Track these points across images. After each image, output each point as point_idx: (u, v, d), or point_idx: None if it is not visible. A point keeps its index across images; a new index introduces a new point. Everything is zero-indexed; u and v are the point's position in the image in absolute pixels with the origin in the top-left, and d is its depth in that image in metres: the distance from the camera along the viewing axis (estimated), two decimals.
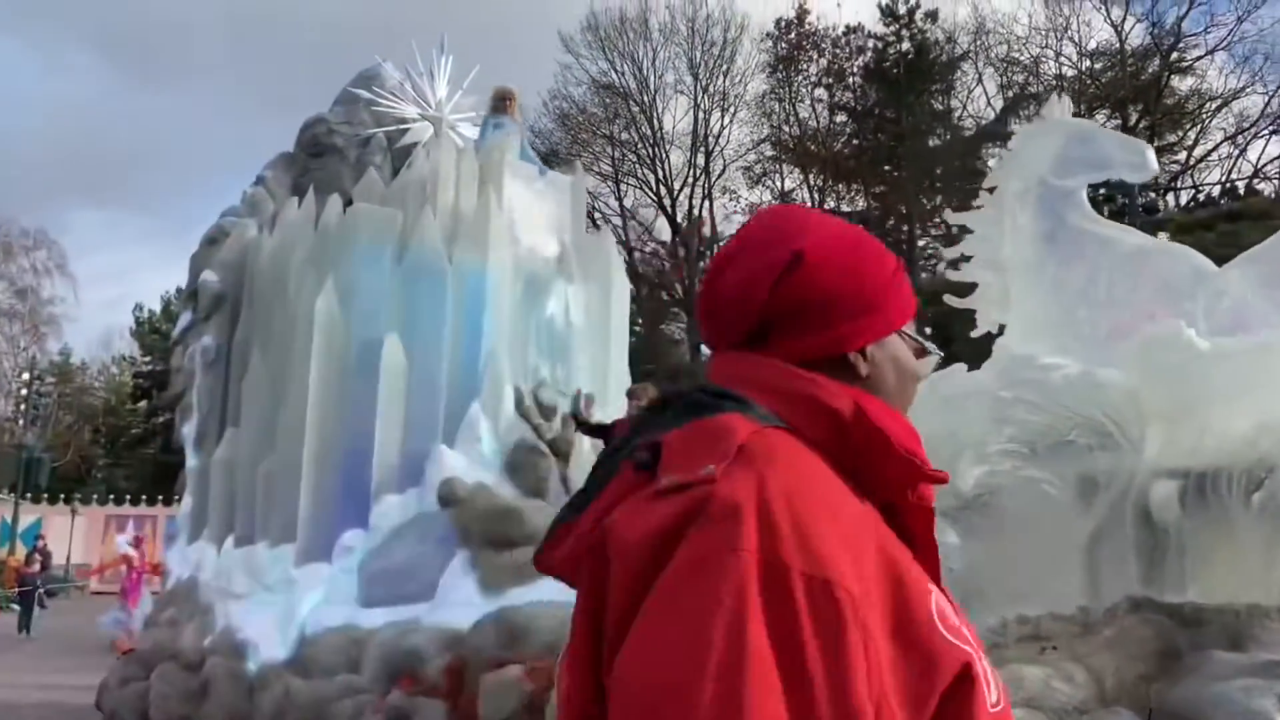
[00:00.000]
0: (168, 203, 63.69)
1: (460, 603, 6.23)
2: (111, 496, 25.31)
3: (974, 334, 5.13)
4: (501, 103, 9.57)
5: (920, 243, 28.13)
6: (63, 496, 25.96)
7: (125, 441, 32.75)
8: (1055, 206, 5.14)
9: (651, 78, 29.21)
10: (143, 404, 32.73)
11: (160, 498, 23.21)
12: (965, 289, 5.29)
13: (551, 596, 5.64)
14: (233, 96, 60.98)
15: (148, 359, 32.75)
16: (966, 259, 5.33)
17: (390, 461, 7.64)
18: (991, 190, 5.38)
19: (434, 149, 8.74)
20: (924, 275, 27.72)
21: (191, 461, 9.03)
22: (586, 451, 7.79)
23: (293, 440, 7.63)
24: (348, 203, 9.28)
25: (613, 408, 9.15)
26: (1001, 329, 5.02)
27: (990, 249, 5.29)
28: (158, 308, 34.33)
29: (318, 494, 7.49)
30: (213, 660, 6.99)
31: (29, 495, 25.38)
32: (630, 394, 7.57)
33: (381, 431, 7.63)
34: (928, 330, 29.06)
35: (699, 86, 29.25)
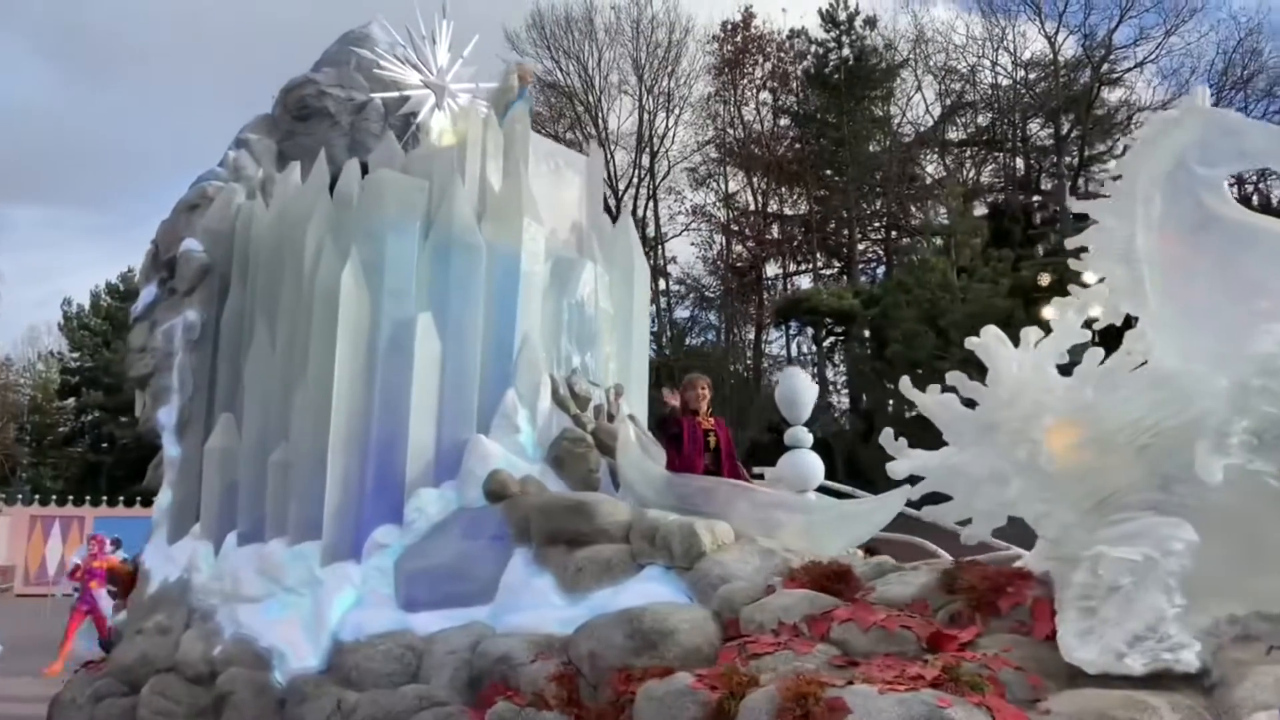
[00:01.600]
0: (106, 199, 60.48)
1: (535, 604, 5.70)
2: (37, 496, 23.59)
3: (1097, 326, 4.97)
4: (520, 79, 9.01)
5: (860, 245, 28.61)
6: None
7: (52, 440, 30.82)
8: (1198, 195, 5.00)
9: (596, 78, 28.83)
10: (71, 401, 30.83)
11: (88, 498, 21.82)
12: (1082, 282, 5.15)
13: (642, 599, 5.22)
14: (174, 94, 58.57)
15: (76, 355, 30.85)
16: (1082, 251, 5.18)
17: (424, 452, 7.01)
18: (1116, 179, 5.24)
19: (462, 117, 8.09)
20: (864, 278, 28.25)
21: (172, 450, 8.11)
22: (631, 445, 7.34)
23: (313, 427, 6.91)
24: (366, 170, 8.55)
25: (634, 399, 8.75)
26: (1129, 321, 4.88)
27: (1120, 240, 5.13)
28: (87, 303, 32.21)
29: (345, 486, 6.80)
30: (231, 672, 6.22)
31: None
32: (689, 384, 7.19)
33: (415, 419, 6.99)
34: (865, 334, 29.32)
35: (644, 88, 29.03)
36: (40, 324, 36.54)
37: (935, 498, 4.80)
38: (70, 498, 22.04)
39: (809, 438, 6.56)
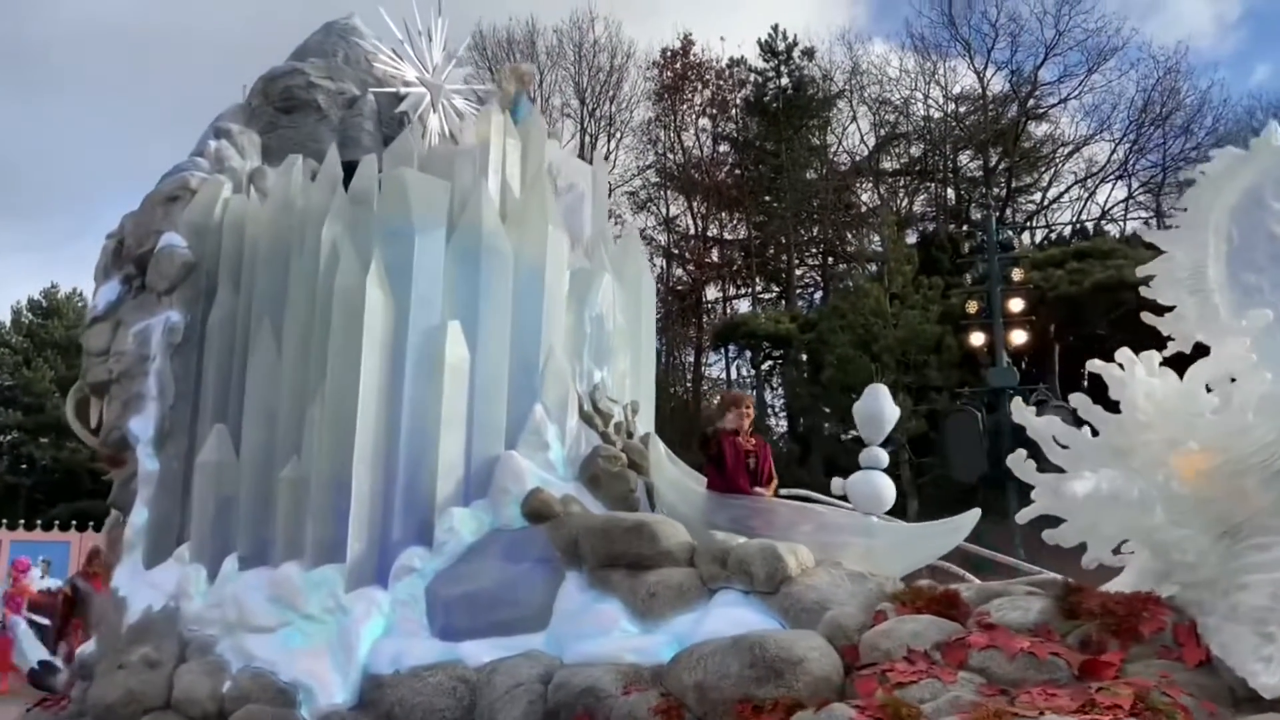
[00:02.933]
0: (32, 215, 57.92)
1: (602, 632, 5.31)
2: None
3: (1167, 354, 4.98)
4: (518, 82, 8.67)
5: (798, 271, 29.04)
6: None
7: None
8: (1270, 228, 5.09)
9: (538, 100, 28.48)
10: None
11: (4, 521, 20.41)
12: (1160, 308, 5.17)
13: (733, 625, 4.93)
14: (104, 112, 56.99)
15: None
16: (1148, 279, 5.21)
17: (454, 469, 6.52)
18: (1184, 211, 5.29)
19: (484, 117, 7.66)
20: (801, 303, 28.66)
21: (149, 465, 7.32)
22: (665, 463, 7.03)
23: (332, 441, 6.33)
24: (347, 166, 8.01)
25: (643, 418, 8.43)
26: (1199, 349, 4.91)
27: (1189, 270, 5.17)
28: (7, 320, 30.30)
29: (370, 505, 6.24)
30: (248, 709, 5.58)
31: None
32: (735, 401, 6.95)
33: (445, 434, 6.50)
34: (803, 358, 29.69)
35: (586, 111, 28.86)
36: None
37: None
38: None
39: (885, 459, 6.40)
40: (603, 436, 7.33)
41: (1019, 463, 4.47)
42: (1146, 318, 5.21)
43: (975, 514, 5.83)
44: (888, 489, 6.52)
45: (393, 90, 9.15)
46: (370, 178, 7.12)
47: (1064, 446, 4.66)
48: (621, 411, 7.81)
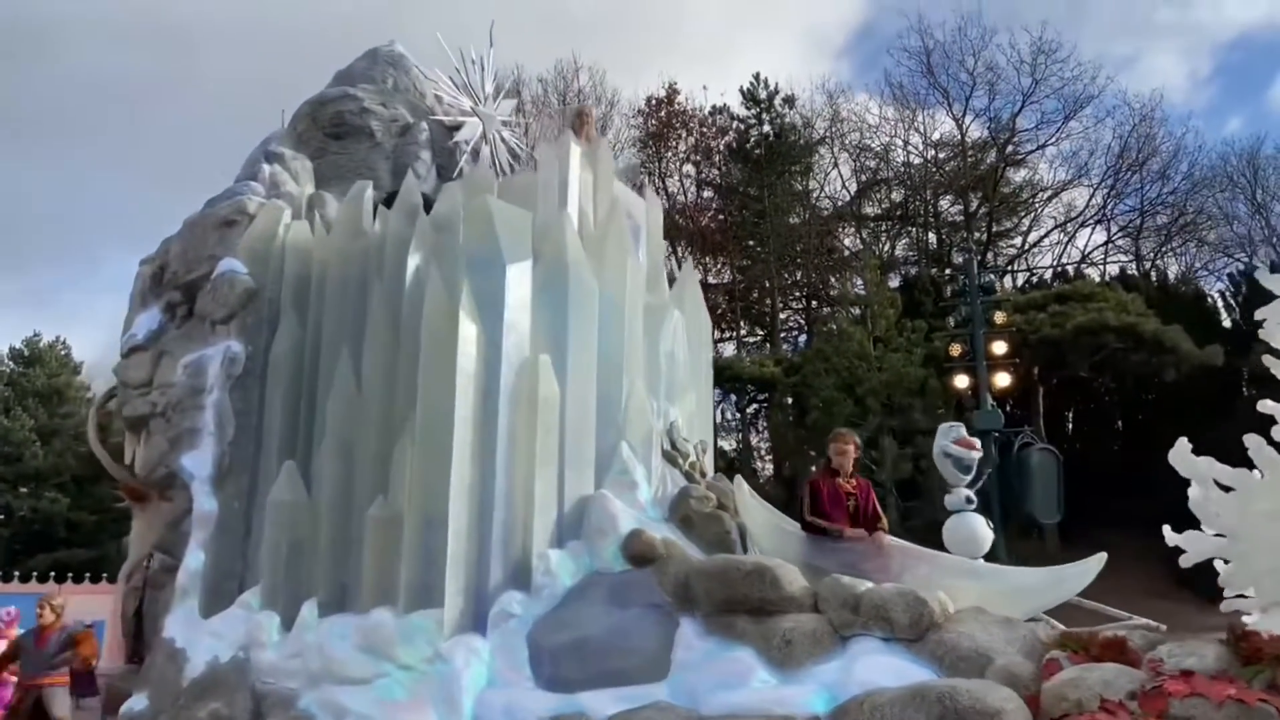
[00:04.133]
0: (17, 266, 57.66)
1: (735, 682, 5.03)
2: None
3: None
4: (578, 119, 8.55)
5: (782, 314, 29.16)
6: None
7: None
8: None
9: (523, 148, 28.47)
10: None
11: None
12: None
13: (890, 675, 4.72)
14: (103, 167, 56.25)
15: None
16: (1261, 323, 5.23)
17: (548, 508, 6.24)
18: None
19: (559, 149, 7.50)
20: (786, 346, 28.75)
21: (207, 504, 6.87)
22: (756, 505, 6.83)
23: (422, 478, 6.01)
24: (390, 195, 7.79)
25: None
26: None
27: None
28: None
29: (467, 546, 5.91)
30: None
31: None
32: (833, 439, 6.78)
33: (540, 472, 6.22)
34: (788, 400, 29.68)
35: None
36: None
37: None
38: None
39: (973, 500, 6.27)
40: (686, 476, 7.12)
41: (1201, 505, 4.37)
42: (1267, 360, 5.19)
43: (1101, 559, 5.72)
44: (983, 530, 6.39)
45: (450, 119, 8.97)
46: (454, 206, 6.88)
47: (1227, 489, 4.60)
48: (695, 451, 7.61)
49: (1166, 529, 5.06)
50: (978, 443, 6.79)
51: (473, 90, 9.23)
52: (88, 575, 20.91)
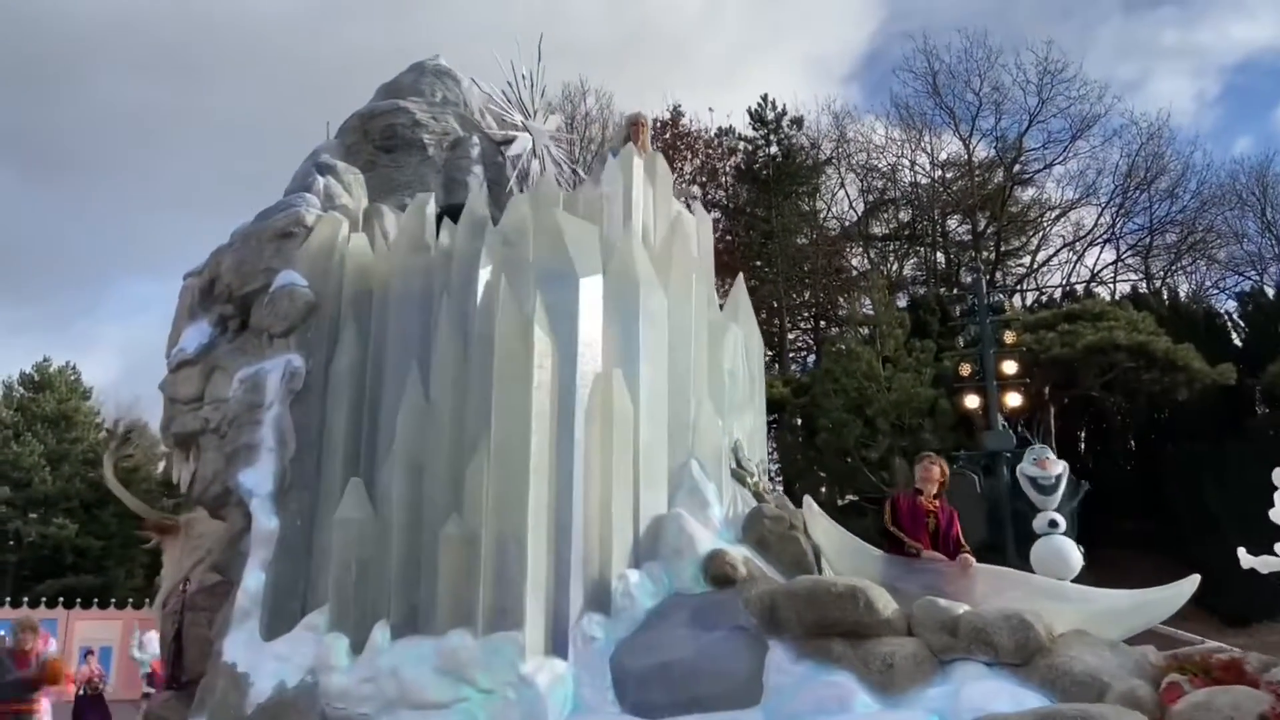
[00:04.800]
0: (34, 293, 59.54)
1: (835, 708, 4.92)
2: None
3: None
4: (634, 129, 8.51)
5: (790, 335, 29.13)
6: None
7: None
8: None
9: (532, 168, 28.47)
10: None
11: None
12: None
13: (1004, 699, 4.61)
14: (124, 195, 58.18)
15: None
16: None
17: (625, 527, 6.12)
18: None
19: (624, 162, 7.44)
20: (795, 367, 28.72)
21: (268, 523, 6.69)
22: (829, 525, 6.72)
23: (496, 496, 5.87)
24: (444, 209, 7.71)
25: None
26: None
27: None
28: None
29: (546, 567, 5.78)
30: None
31: None
32: (919, 460, 6.67)
33: (617, 490, 6.11)
34: (797, 421, 29.59)
35: (577, 180, 28.78)
36: None
37: None
38: None
39: (1063, 522, 6.19)
40: (755, 495, 7.01)
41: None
42: None
43: (1194, 581, 5.63)
44: (1072, 553, 6.30)
45: (501, 134, 8.91)
46: (523, 219, 6.79)
47: None
48: (757, 470, 7.51)
49: (1242, 551, 5.01)
50: (1053, 459, 6.70)
51: (523, 104, 9.18)
52: (95, 601, 20.89)
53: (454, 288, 6.71)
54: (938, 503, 6.36)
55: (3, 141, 58.35)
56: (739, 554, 6.12)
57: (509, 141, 8.96)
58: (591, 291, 6.53)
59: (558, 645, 5.66)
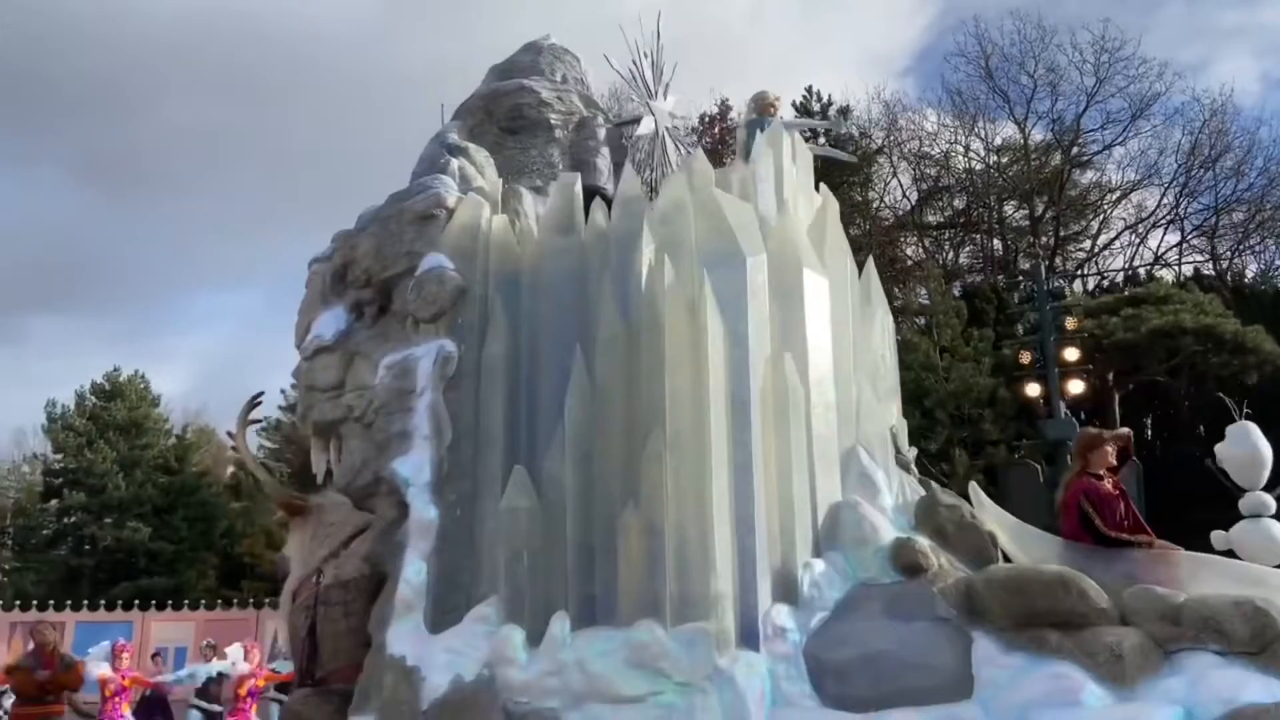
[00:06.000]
0: (117, 308, 63.43)
1: (1061, 700, 4.75)
2: (18, 602, 21.50)
3: None
4: (767, 107, 8.31)
5: None
6: None
7: (35, 543, 28.72)
8: None
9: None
10: (54, 503, 29.00)
11: (69, 602, 20.28)
12: None
13: (1247, 689, 4.41)
14: (199, 214, 59.64)
15: (59, 456, 29.23)
16: None
17: (804, 514, 5.97)
18: None
19: (773, 141, 7.25)
20: None
21: (427, 513, 6.55)
22: (1000, 512, 6.53)
23: (675, 482, 5.71)
24: (592, 193, 7.56)
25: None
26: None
27: None
28: (71, 403, 30.24)
29: (732, 556, 5.63)
30: None
31: None
32: (1091, 444, 6.46)
33: (795, 477, 5.95)
34: None
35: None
36: (27, 425, 34.30)
37: None
38: (51, 602, 20.32)
39: (1271, 504, 5.95)
40: (922, 483, 6.83)
41: None
42: None
43: None
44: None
45: (627, 115, 8.75)
46: (681, 198, 6.63)
47: None
48: (909, 456, 7.33)
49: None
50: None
51: (646, 84, 8.99)
52: (170, 603, 21.31)
53: (613, 269, 6.55)
54: (1113, 480, 6.14)
55: (86, 162, 61.21)
56: (925, 543, 5.94)
57: (635, 121, 8.79)
58: (758, 272, 6.36)
59: (748, 637, 5.50)
